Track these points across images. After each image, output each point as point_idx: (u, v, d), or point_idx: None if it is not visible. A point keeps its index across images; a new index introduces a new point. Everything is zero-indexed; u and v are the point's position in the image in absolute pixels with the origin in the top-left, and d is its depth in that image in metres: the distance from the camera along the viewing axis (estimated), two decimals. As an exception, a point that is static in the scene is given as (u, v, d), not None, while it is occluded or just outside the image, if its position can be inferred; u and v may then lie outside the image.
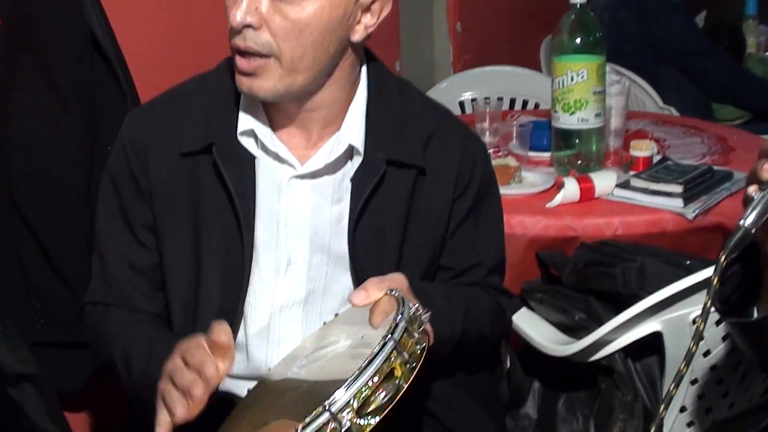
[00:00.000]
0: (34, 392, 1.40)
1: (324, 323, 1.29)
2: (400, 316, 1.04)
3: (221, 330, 1.12)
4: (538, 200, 2.07)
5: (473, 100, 2.98)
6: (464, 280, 1.46)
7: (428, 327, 1.19)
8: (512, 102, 3.05)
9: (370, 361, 0.99)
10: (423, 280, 1.40)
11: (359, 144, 1.34)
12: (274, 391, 1.18)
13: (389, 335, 1.01)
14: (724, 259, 1.02)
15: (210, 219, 1.35)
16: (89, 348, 1.50)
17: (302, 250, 1.36)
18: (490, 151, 2.34)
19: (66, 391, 1.77)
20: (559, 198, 2.03)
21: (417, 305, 1.10)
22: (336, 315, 1.29)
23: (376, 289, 1.16)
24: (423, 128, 1.39)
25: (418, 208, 1.38)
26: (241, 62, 1.29)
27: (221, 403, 1.27)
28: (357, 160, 1.35)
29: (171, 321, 1.39)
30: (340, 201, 1.37)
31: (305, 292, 1.36)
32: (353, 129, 1.35)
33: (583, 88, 2.12)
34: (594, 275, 1.78)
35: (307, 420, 0.96)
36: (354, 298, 1.16)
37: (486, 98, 2.76)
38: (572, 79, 2.12)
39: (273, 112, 1.36)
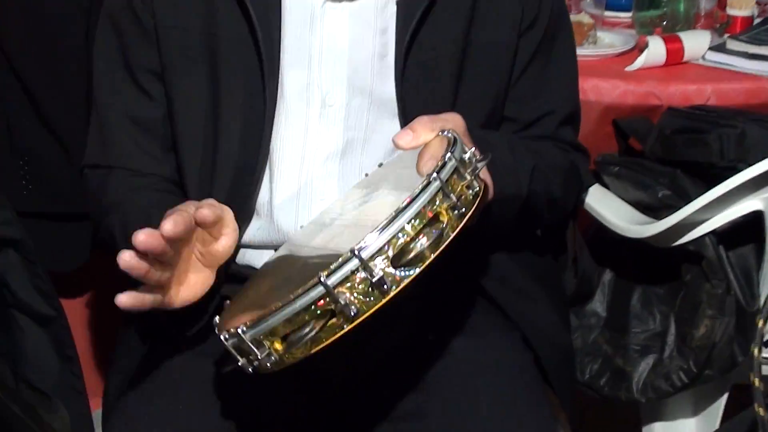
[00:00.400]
0: (18, 261, 1.38)
1: (365, 175, 1.27)
2: (449, 154, 1.00)
3: (206, 205, 1.08)
4: (617, 63, 2.01)
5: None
6: (531, 132, 1.42)
7: (485, 177, 1.13)
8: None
9: (410, 203, 0.95)
10: (486, 129, 1.36)
11: None
12: (300, 256, 1.17)
13: (434, 173, 0.97)
14: None
15: (228, 57, 1.30)
16: (88, 220, 1.49)
17: (339, 91, 1.32)
18: None
19: (59, 272, 1.74)
20: (641, 60, 1.97)
21: (472, 149, 1.05)
22: (379, 165, 1.27)
23: (425, 129, 1.11)
24: None
25: (476, 42, 1.34)
26: None
27: (238, 279, 1.26)
28: None
29: (185, 185, 1.35)
30: (384, 32, 1.31)
31: (343, 142, 1.33)
32: None
33: (672, -62, 2.03)
34: (683, 144, 1.70)
35: (333, 266, 0.93)
36: (399, 138, 1.11)
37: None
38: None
39: None
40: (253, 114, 1.30)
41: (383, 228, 0.94)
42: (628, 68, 1.97)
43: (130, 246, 1.11)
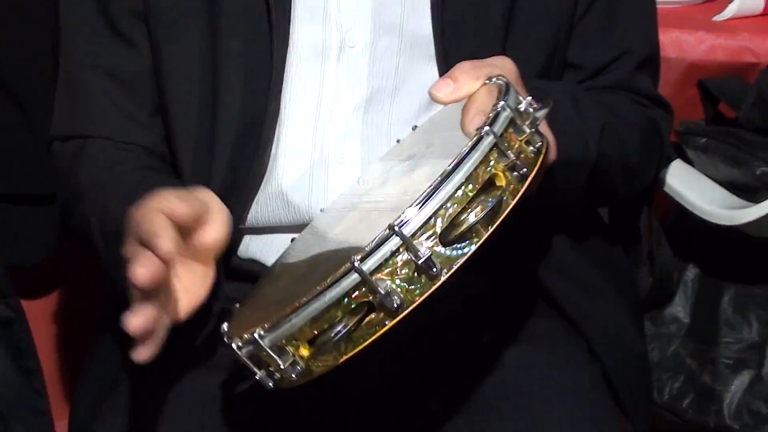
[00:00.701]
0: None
1: (397, 141, 1.25)
2: (502, 102, 0.97)
3: (182, 197, 1.04)
4: (702, 12, 1.92)
5: None
6: (601, 81, 1.37)
7: (547, 132, 1.08)
8: None
9: (458, 164, 0.92)
10: (544, 79, 1.32)
11: None
12: (323, 248, 1.16)
13: (486, 127, 0.94)
14: None
15: None
16: (54, 203, 1.48)
17: (362, 29, 1.29)
18: None
19: (19, 266, 1.68)
20: (733, 7, 1.86)
21: (530, 97, 1.01)
22: (414, 128, 1.25)
23: (469, 77, 1.07)
24: None
25: None
26: None
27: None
28: None
29: (176, 155, 1.32)
30: None
31: (367, 93, 1.29)
32: None
33: None
34: None
35: (368, 248, 0.89)
36: (437, 89, 1.07)
37: None
38: None
39: None
40: (259, 61, 1.27)
41: (427, 198, 0.90)
42: (717, 18, 1.87)
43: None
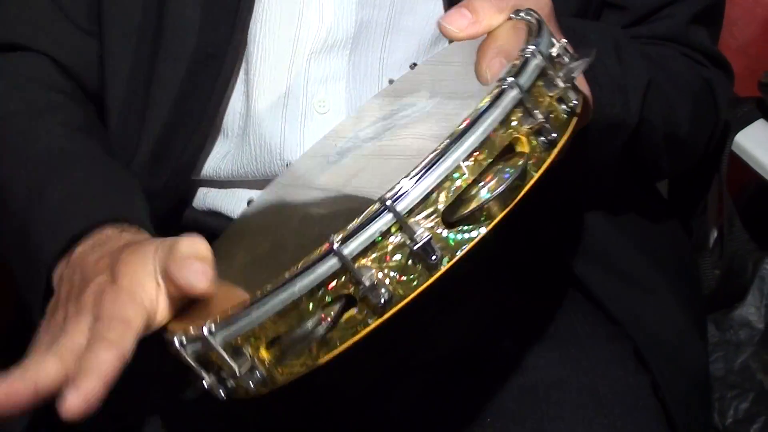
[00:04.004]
0: None
1: (390, 81, 1.27)
2: (532, 47, 0.95)
3: (194, 261, 0.98)
4: None
5: None
6: (648, 29, 1.36)
7: (584, 86, 1.08)
8: None
9: (472, 124, 0.90)
10: (582, 19, 1.33)
11: None
12: (296, 204, 1.17)
13: (510, 78, 0.92)
14: None
15: None
16: None
17: None
18: None
19: None
20: None
21: (565, 41, 0.99)
22: (413, 65, 1.25)
23: (492, 7, 1.03)
24: None
25: None
26: None
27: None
28: None
29: (106, 80, 1.31)
30: None
31: (355, 26, 1.30)
32: None
33: None
34: None
35: (351, 226, 0.87)
36: (450, 21, 1.03)
37: None
38: None
39: None
40: None
41: (429, 166, 0.88)
42: None
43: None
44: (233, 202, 1.35)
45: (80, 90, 1.35)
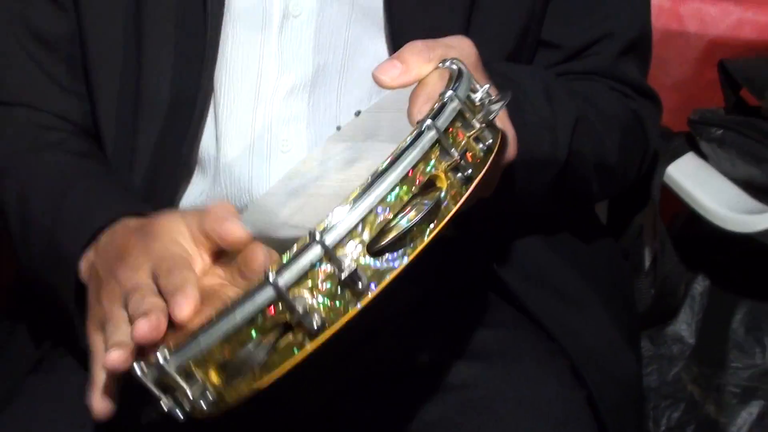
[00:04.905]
0: None
1: (337, 128, 1.29)
2: (450, 91, 0.99)
3: (229, 218, 1.06)
4: None
5: None
6: (579, 65, 1.40)
7: (505, 126, 1.11)
8: None
9: (393, 163, 0.94)
10: (513, 63, 1.36)
11: None
12: (260, 236, 1.14)
13: (428, 119, 0.96)
14: None
15: None
16: None
17: None
18: None
19: None
20: None
21: (486, 86, 1.03)
22: (357, 113, 1.27)
23: (420, 58, 1.08)
24: None
25: None
26: None
27: None
28: None
29: (99, 130, 1.36)
30: None
31: (312, 69, 1.33)
32: None
33: None
34: None
35: (285, 258, 0.91)
36: (383, 72, 1.08)
37: None
38: None
39: None
40: (189, 30, 1.31)
41: (355, 200, 0.92)
42: None
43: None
44: None
45: (75, 127, 1.39)
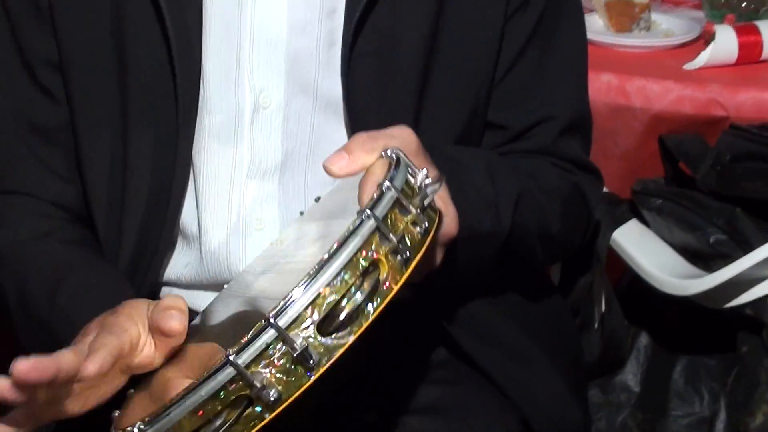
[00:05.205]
0: None
1: (300, 213, 1.32)
2: (387, 182, 1.01)
3: (173, 310, 1.09)
4: (673, 58, 2.05)
5: None
6: (523, 145, 1.42)
7: (446, 207, 1.15)
8: None
9: (337, 250, 0.97)
10: (457, 145, 1.39)
11: None
12: (235, 312, 1.20)
13: (368, 210, 0.99)
14: None
15: (137, 42, 1.33)
16: None
17: (276, 89, 1.35)
18: None
19: None
20: (704, 56, 1.99)
21: (424, 171, 1.07)
22: (317, 199, 1.31)
23: (364, 150, 1.12)
24: None
25: (450, 26, 1.35)
26: None
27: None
28: None
29: (91, 211, 1.38)
30: (332, 13, 1.34)
31: (281, 155, 1.36)
32: None
33: None
34: (745, 175, 1.74)
35: (244, 340, 0.94)
36: (332, 163, 1.12)
37: None
38: None
39: None
40: (167, 118, 1.33)
41: (305, 285, 0.95)
42: (688, 66, 1.99)
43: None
44: (195, 299, 1.38)
45: (72, 215, 1.40)
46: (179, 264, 1.38)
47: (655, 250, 1.77)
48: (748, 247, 1.67)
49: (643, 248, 1.77)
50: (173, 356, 1.15)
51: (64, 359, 1.00)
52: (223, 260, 1.37)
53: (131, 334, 1.07)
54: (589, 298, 1.83)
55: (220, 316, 1.24)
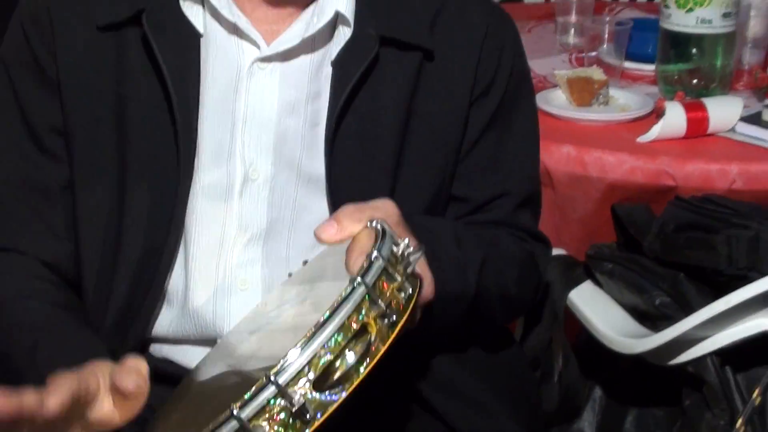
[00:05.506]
0: None
1: (289, 275, 1.35)
2: (376, 252, 1.06)
3: (132, 371, 1.08)
4: (629, 131, 2.10)
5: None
6: (484, 216, 1.49)
7: (423, 272, 1.20)
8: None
9: (332, 314, 1.01)
10: (427, 215, 1.44)
11: (348, 12, 1.38)
12: (224, 371, 1.23)
13: (359, 278, 1.03)
14: None
15: (138, 118, 1.38)
16: None
17: (264, 163, 1.40)
18: (572, 56, 2.47)
19: None
20: (656, 130, 2.04)
21: (405, 240, 1.12)
22: (304, 262, 1.34)
23: (352, 220, 1.17)
24: None
25: (421, 110, 1.42)
26: None
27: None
28: (343, 38, 1.39)
29: (81, 265, 1.41)
30: (317, 96, 1.40)
31: (266, 223, 1.41)
32: None
33: (707, -26, 2.16)
34: (687, 244, 1.75)
35: (247, 396, 0.97)
36: (322, 232, 1.18)
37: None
38: (692, -40, 2.15)
39: None
40: (164, 185, 1.37)
41: (302, 346, 1.00)
42: (641, 139, 2.06)
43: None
44: (182, 354, 1.42)
45: (60, 277, 1.41)
46: (166, 320, 1.41)
47: (607, 311, 1.79)
48: (689, 310, 1.68)
49: (595, 308, 1.80)
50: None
51: (26, 396, 0.99)
52: (209, 317, 1.40)
53: (90, 382, 1.05)
54: (549, 352, 1.87)
55: (207, 375, 1.26)
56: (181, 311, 1.42)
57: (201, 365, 1.31)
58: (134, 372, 1.07)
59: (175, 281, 1.41)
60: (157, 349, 1.44)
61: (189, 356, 1.41)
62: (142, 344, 1.42)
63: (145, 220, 1.38)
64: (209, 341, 1.40)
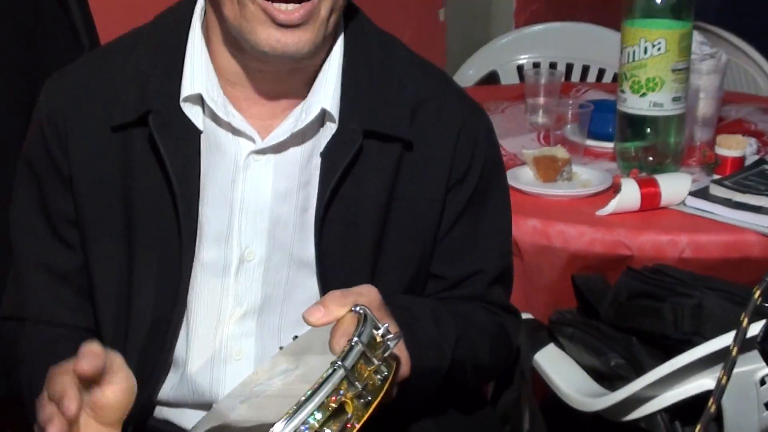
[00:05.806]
0: None
1: (280, 348, 1.39)
2: (356, 338, 1.11)
3: (85, 355, 1.17)
4: (589, 205, 2.16)
5: (535, 65, 3.03)
6: (459, 292, 1.54)
7: (401, 352, 1.26)
8: (585, 70, 3.13)
9: (312, 395, 1.05)
10: (408, 294, 1.49)
11: (333, 108, 1.43)
12: (222, 427, 1.27)
13: (339, 362, 1.08)
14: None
15: (145, 209, 1.43)
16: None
17: (259, 246, 1.45)
18: (540, 134, 2.47)
19: None
20: (612, 204, 2.11)
21: (385, 325, 1.17)
22: (294, 337, 1.37)
23: (337, 304, 1.23)
24: (411, 93, 1.48)
25: (402, 196, 1.46)
26: (282, 9, 1.35)
27: None
28: (330, 131, 1.44)
29: (101, 334, 1.48)
30: (307, 185, 1.45)
31: (260, 299, 1.46)
32: (327, 92, 1.44)
33: (659, 64, 2.21)
34: (638, 311, 1.85)
35: None
36: (310, 315, 1.23)
37: (552, 64, 2.88)
38: (645, 51, 2.21)
39: (229, 74, 1.44)
40: (169, 268, 1.43)
41: (285, 422, 1.05)
42: (599, 212, 2.12)
43: (33, 405, 1.25)
44: (182, 417, 1.48)
45: (78, 335, 1.43)
46: (168, 386, 1.47)
47: (568, 372, 1.86)
48: (641, 371, 1.74)
49: (558, 369, 1.86)
50: None
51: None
52: (206, 384, 1.46)
53: (71, 387, 1.15)
54: (518, 409, 1.92)
55: None
56: (181, 378, 1.47)
57: (195, 429, 1.34)
58: (88, 354, 1.15)
59: (179, 350, 1.46)
60: (158, 412, 1.50)
61: (186, 419, 1.47)
62: (147, 410, 1.47)
63: (152, 295, 1.44)
64: (205, 406, 1.45)
